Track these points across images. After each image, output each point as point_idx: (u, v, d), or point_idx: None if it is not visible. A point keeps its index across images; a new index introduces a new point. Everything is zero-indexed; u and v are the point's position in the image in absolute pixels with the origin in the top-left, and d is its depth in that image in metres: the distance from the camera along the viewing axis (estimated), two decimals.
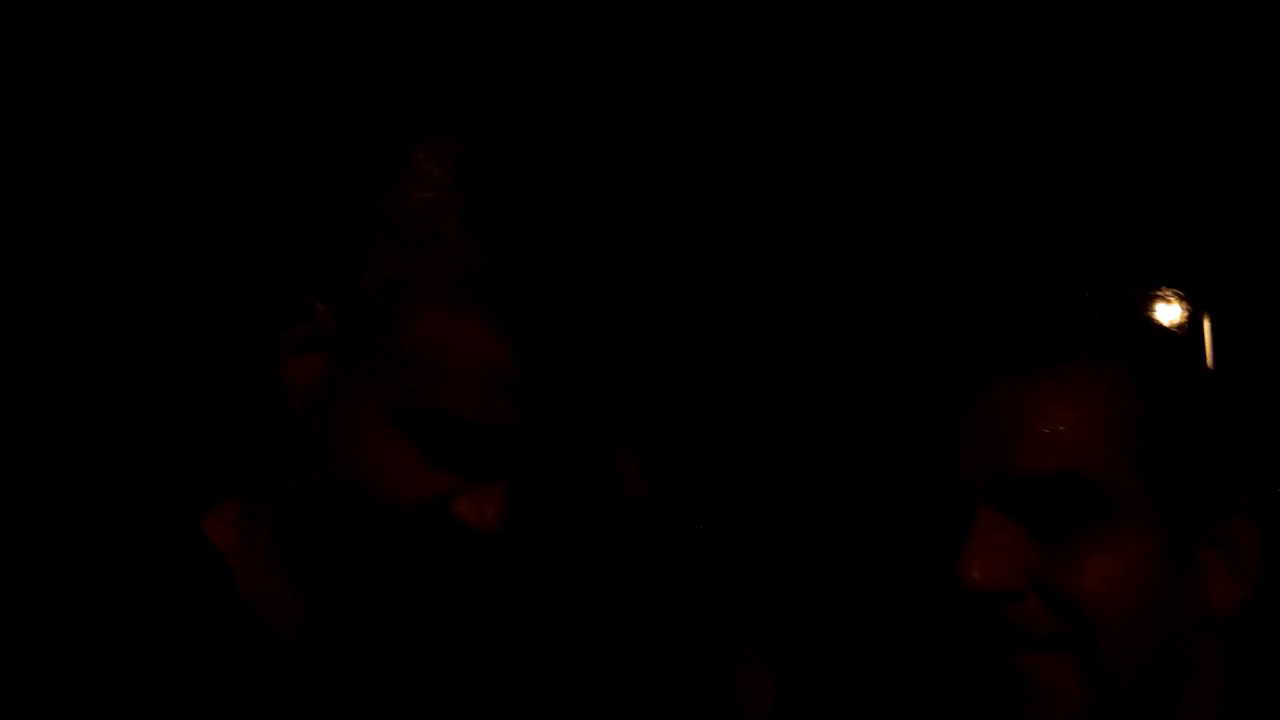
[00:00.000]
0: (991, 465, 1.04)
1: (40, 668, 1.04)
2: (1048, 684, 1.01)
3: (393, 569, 1.10)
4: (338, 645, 1.18)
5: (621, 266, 1.13)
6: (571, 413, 1.10)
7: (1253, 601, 1.06)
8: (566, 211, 1.10)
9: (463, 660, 1.33)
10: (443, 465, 1.07)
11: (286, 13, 2.20)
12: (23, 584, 1.08)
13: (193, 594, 1.12)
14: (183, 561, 1.14)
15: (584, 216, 1.11)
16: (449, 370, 1.06)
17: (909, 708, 1.40)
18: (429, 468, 1.07)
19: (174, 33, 2.21)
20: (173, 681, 1.07)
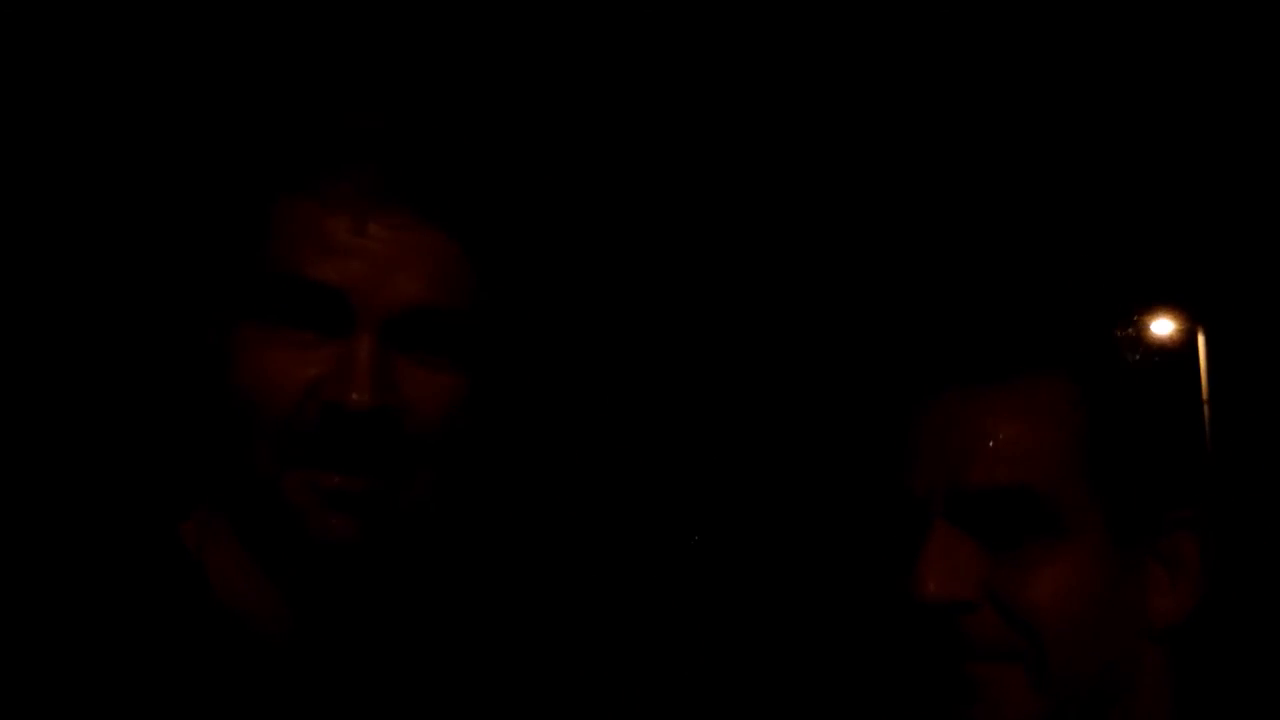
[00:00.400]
0: (945, 479, 1.08)
1: (20, 671, 1.06)
2: (998, 692, 1.06)
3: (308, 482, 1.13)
4: (314, 643, 1.20)
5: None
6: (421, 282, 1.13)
7: (1196, 613, 1.11)
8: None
9: (442, 657, 1.35)
10: (306, 345, 1.12)
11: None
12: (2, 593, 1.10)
13: (169, 598, 1.15)
14: (158, 567, 1.16)
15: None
16: (293, 240, 1.13)
17: (865, 717, 1.44)
18: (294, 352, 1.12)
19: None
20: (151, 683, 1.09)
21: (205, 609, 1.16)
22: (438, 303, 1.14)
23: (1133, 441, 1.10)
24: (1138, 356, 1.14)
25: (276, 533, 1.15)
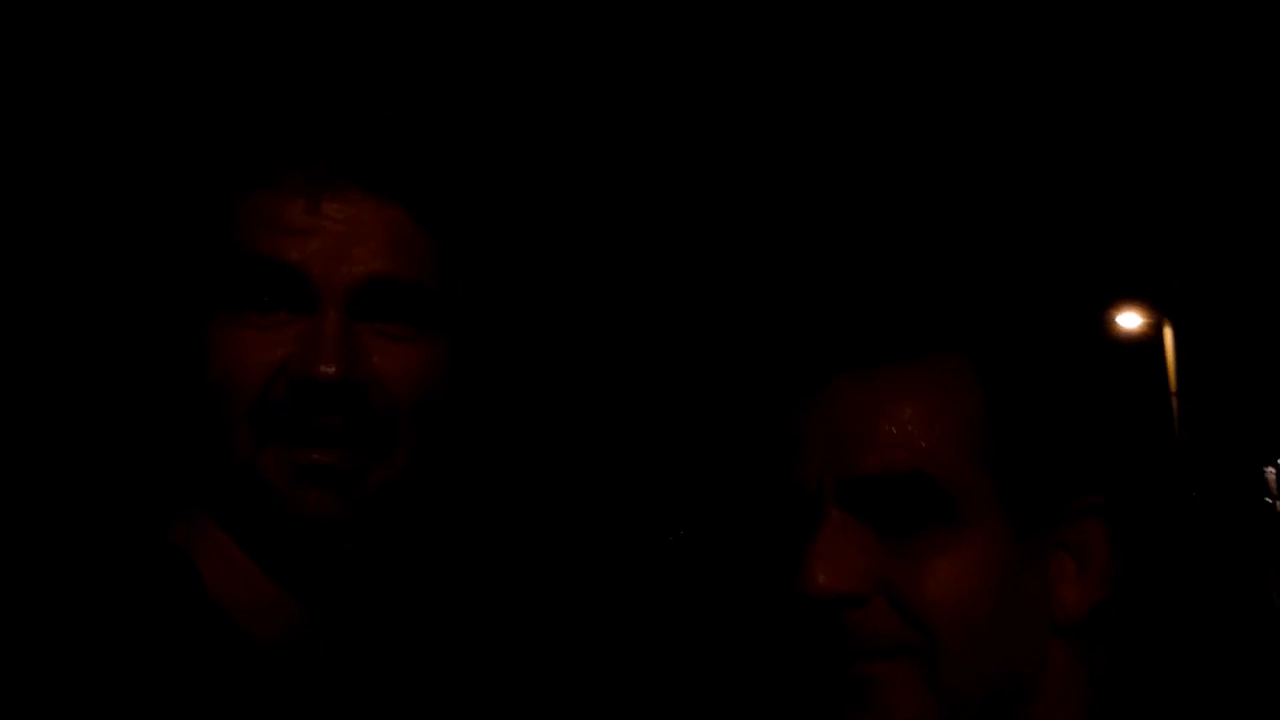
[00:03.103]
0: (838, 466, 1.02)
1: (13, 675, 1.06)
2: (889, 693, 0.99)
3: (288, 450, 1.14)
4: (306, 639, 1.20)
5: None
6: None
7: (1105, 605, 1.05)
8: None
9: (434, 649, 1.36)
10: (273, 326, 1.15)
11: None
12: None
13: (161, 596, 1.15)
14: (149, 565, 1.17)
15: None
16: (254, 227, 1.17)
17: (751, 716, 1.37)
18: (262, 333, 1.15)
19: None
20: (145, 682, 1.09)
21: (197, 606, 1.16)
22: (397, 273, 1.16)
23: (1034, 425, 1.04)
24: (1040, 336, 1.08)
25: (258, 516, 1.17)
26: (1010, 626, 1.01)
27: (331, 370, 1.12)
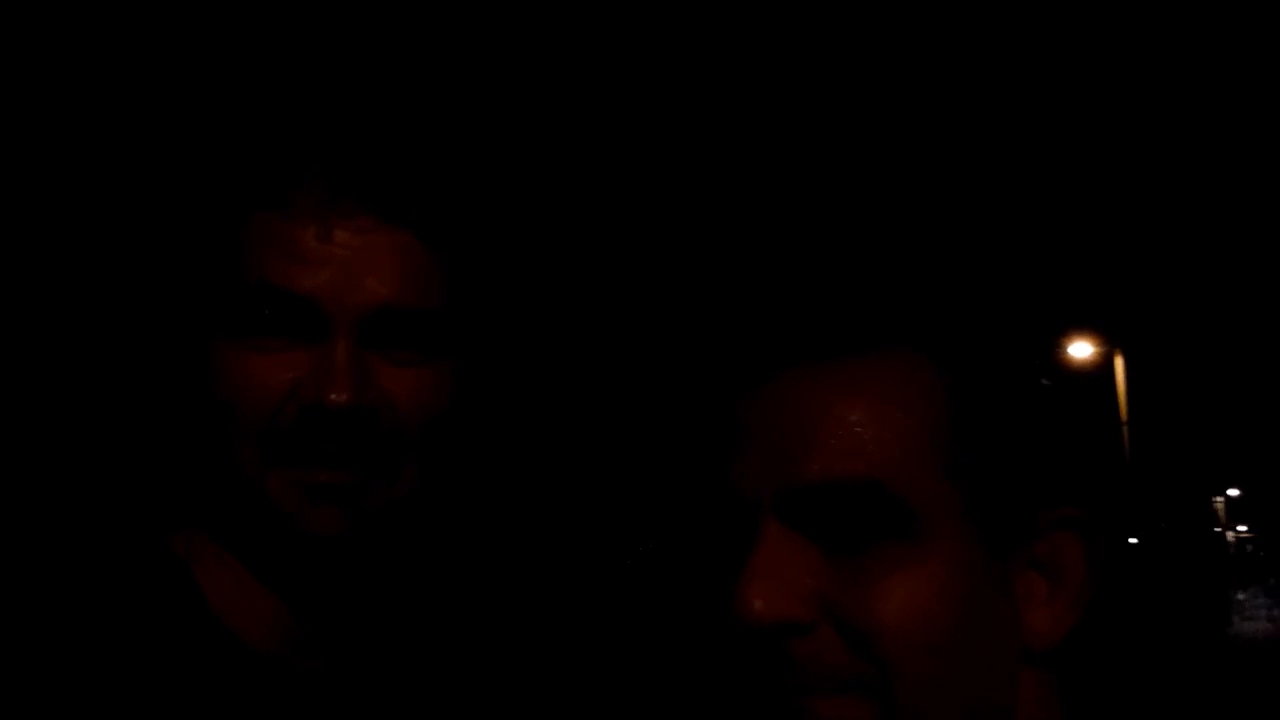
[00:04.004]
0: (778, 474, 0.89)
1: (13, 686, 1.07)
2: None
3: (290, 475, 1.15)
4: (308, 653, 1.21)
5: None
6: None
7: (1080, 629, 0.93)
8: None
9: (436, 662, 1.33)
10: (283, 351, 1.15)
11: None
12: None
13: (162, 610, 1.16)
14: (151, 579, 1.17)
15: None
16: (264, 253, 1.16)
17: None
18: (273, 358, 1.15)
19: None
20: (145, 696, 1.10)
21: (199, 620, 1.17)
22: (407, 302, 1.17)
23: (1002, 426, 0.92)
24: (1004, 331, 0.96)
25: (266, 535, 1.17)
26: (976, 655, 0.88)
27: (343, 398, 1.13)
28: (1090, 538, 0.93)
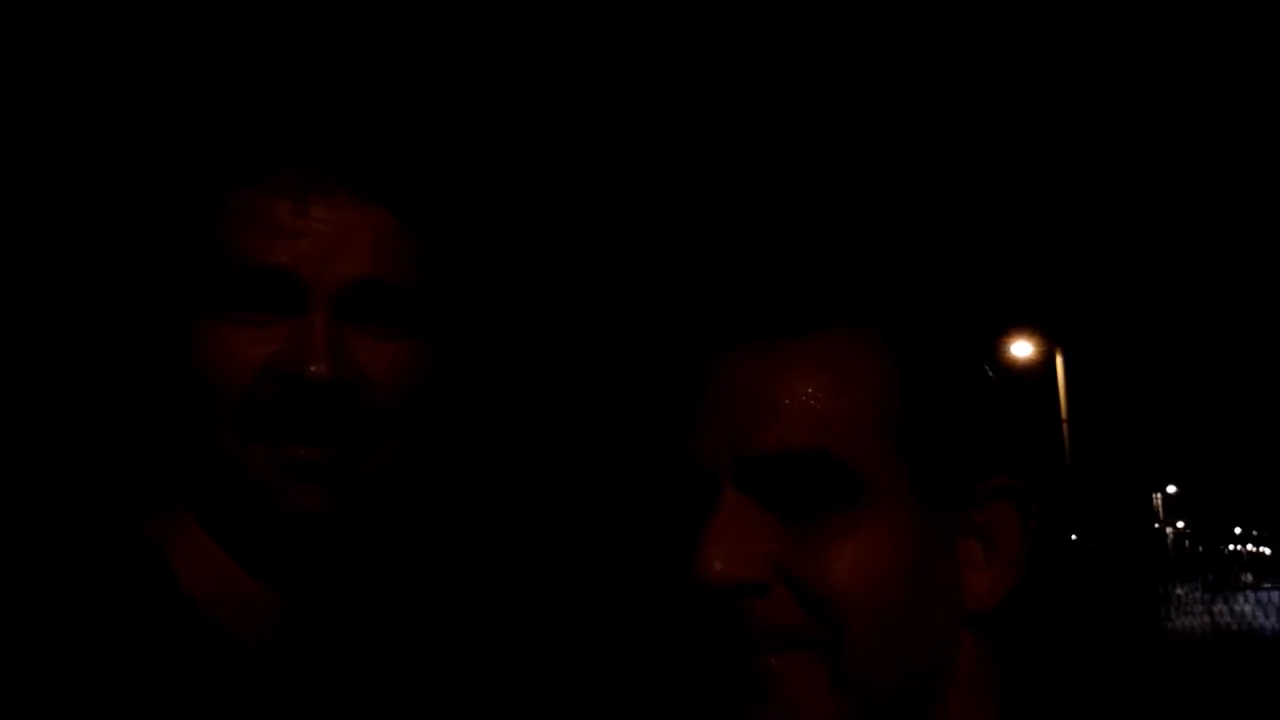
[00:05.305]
0: (735, 444, 0.95)
1: None
2: (792, 689, 0.92)
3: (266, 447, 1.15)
4: (284, 637, 1.20)
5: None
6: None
7: (1015, 594, 0.99)
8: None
9: (416, 647, 1.34)
10: (261, 326, 1.15)
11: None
12: None
13: (136, 594, 1.15)
14: (124, 563, 1.16)
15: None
16: (242, 228, 1.17)
17: (647, 714, 1.30)
18: (250, 332, 1.15)
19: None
20: (119, 682, 1.09)
21: (173, 604, 1.16)
22: (384, 276, 1.18)
23: (945, 400, 0.98)
24: (949, 312, 1.02)
25: (243, 516, 1.17)
26: (921, 615, 0.94)
27: (322, 370, 1.13)
28: (1024, 507, 1.00)
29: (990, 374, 1.04)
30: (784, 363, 0.96)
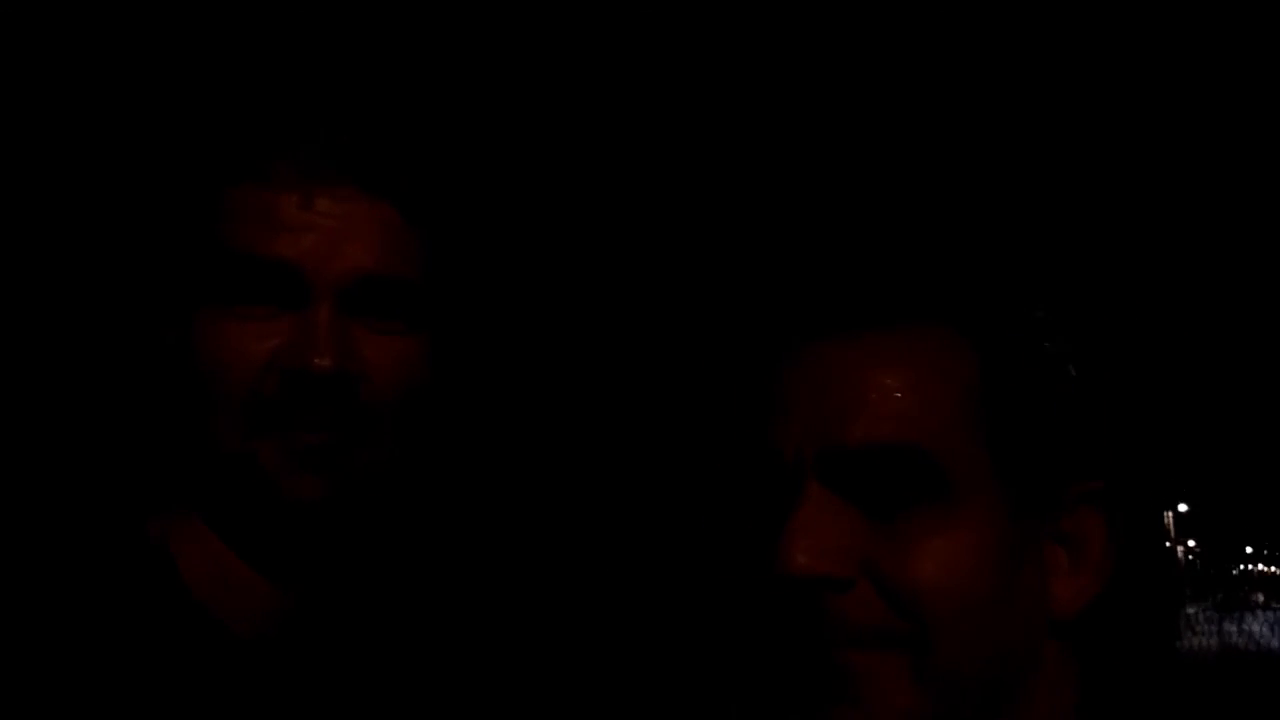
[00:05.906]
0: (820, 437, 0.92)
1: None
2: (874, 686, 0.89)
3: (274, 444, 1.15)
4: (285, 634, 1.20)
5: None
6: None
7: (1100, 600, 0.97)
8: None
9: (415, 642, 1.33)
10: (264, 319, 1.15)
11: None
12: None
13: (138, 591, 1.15)
14: (126, 560, 1.17)
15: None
16: (246, 222, 1.17)
17: (725, 709, 1.28)
18: (254, 326, 1.15)
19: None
20: (121, 678, 1.09)
21: (175, 600, 1.17)
22: (388, 271, 1.18)
23: (1032, 397, 0.95)
24: (1035, 313, 1.00)
25: (246, 511, 1.17)
26: (1005, 617, 0.92)
27: (327, 363, 1.13)
28: (1112, 513, 0.97)
29: (1075, 375, 1.01)
30: (872, 355, 0.93)
